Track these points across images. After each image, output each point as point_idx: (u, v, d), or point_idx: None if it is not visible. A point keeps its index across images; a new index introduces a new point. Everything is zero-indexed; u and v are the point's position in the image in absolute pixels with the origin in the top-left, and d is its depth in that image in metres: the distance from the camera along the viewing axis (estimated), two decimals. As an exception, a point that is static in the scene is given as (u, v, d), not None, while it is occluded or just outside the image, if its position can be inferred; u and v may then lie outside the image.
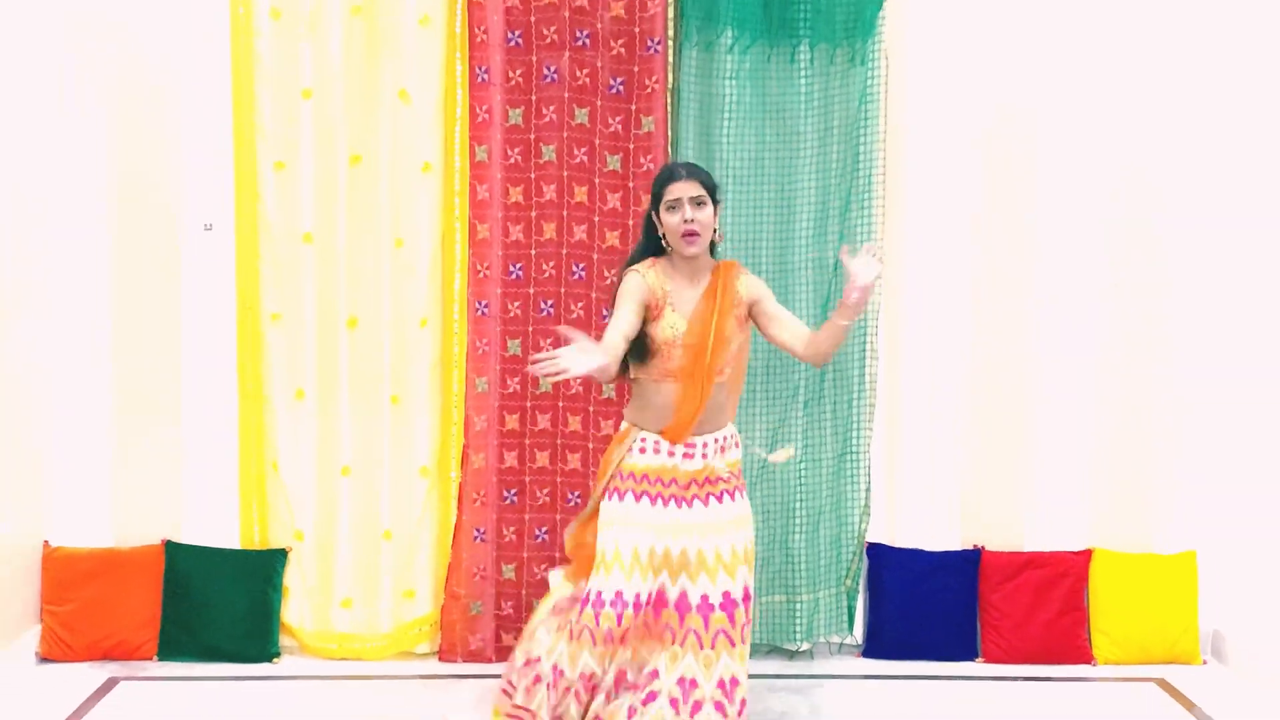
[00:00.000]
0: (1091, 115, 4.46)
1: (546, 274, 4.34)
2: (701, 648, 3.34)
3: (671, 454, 3.45)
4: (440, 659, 4.40)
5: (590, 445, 4.38)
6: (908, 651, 4.47)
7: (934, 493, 4.53)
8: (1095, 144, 4.47)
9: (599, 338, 3.39)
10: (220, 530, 4.45)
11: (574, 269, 4.34)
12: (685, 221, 3.37)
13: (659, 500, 3.43)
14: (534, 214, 4.33)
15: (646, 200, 3.65)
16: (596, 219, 4.32)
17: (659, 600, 3.39)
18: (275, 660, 4.40)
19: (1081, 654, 4.45)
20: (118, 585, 4.36)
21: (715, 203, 3.44)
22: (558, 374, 3.01)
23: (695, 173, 3.42)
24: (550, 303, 4.34)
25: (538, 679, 3.44)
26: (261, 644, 4.39)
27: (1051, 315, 4.52)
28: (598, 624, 3.34)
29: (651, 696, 3.33)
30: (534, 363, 3.03)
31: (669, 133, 4.30)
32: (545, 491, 4.41)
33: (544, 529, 4.42)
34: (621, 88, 4.28)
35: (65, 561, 4.37)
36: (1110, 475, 4.54)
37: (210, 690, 4.17)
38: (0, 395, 4.17)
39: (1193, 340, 4.52)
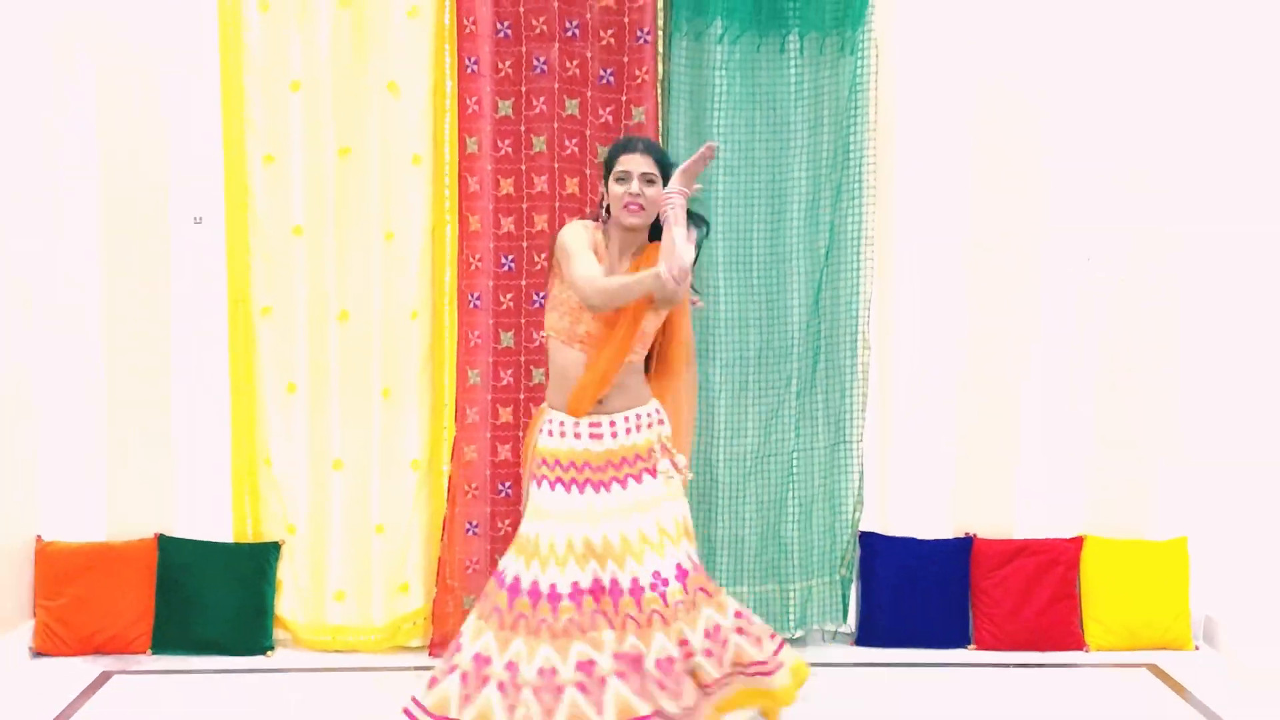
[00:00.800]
0: (1086, 102, 4.45)
1: (539, 266, 4.32)
2: (640, 627, 3.26)
3: (578, 435, 3.39)
4: (431, 654, 4.37)
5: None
6: (900, 639, 4.47)
7: (926, 481, 4.53)
8: (1090, 131, 4.45)
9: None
10: (213, 524, 4.42)
11: (565, 260, 4.32)
12: (630, 194, 3.34)
13: (574, 487, 3.36)
14: (525, 205, 4.31)
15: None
16: (589, 210, 4.29)
17: (595, 587, 3.29)
18: (269, 653, 4.38)
19: (1073, 640, 4.46)
20: (111, 579, 4.34)
21: (666, 182, 3.34)
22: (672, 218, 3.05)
23: (651, 149, 3.40)
24: (542, 294, 4.31)
25: (453, 669, 3.28)
26: (255, 637, 4.37)
27: (1043, 302, 4.50)
28: (534, 612, 3.26)
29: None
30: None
31: (660, 123, 4.28)
32: (538, 483, 4.39)
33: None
34: (612, 78, 4.26)
35: (58, 556, 4.35)
36: (1101, 462, 4.54)
37: (204, 683, 4.16)
38: (-9, 391, 4.16)
39: (1184, 324, 4.51)
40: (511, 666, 3.23)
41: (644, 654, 3.23)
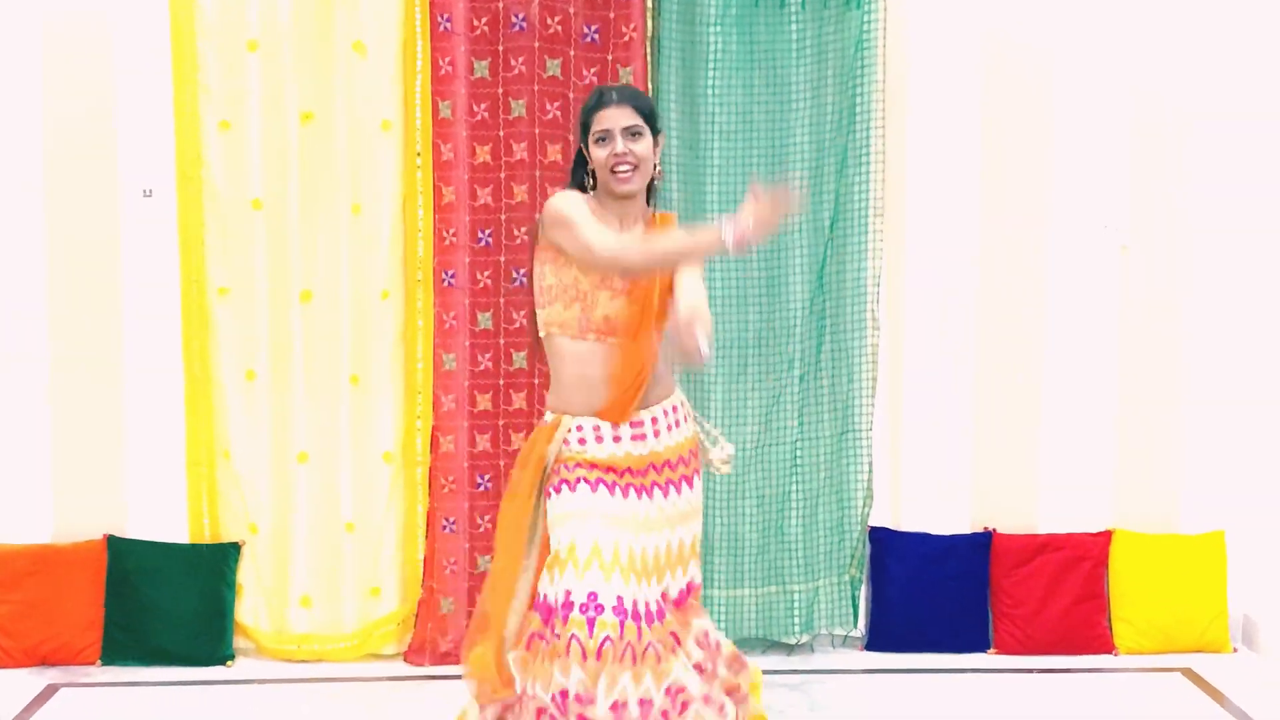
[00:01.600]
0: (1109, 54, 4.33)
1: (519, 240, 4.20)
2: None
3: (617, 439, 2.99)
4: (406, 659, 4.29)
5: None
6: (914, 643, 4.38)
7: (941, 472, 4.44)
8: (1114, 86, 4.34)
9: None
10: (167, 524, 4.32)
11: (548, 234, 4.17)
12: (615, 155, 2.94)
13: (617, 490, 2.95)
14: (503, 175, 4.20)
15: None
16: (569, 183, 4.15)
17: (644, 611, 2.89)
18: (229, 664, 4.28)
19: (1102, 643, 4.37)
20: (57, 585, 4.24)
21: (656, 133, 3.00)
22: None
23: (629, 97, 2.99)
24: (523, 270, 4.18)
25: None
26: (213, 646, 4.27)
27: (1067, 277, 4.42)
28: (591, 634, 2.78)
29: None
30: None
31: (649, 85, 4.18)
32: (522, 476, 4.25)
33: (520, 517, 4.24)
34: (597, 36, 4.16)
35: (-1, 560, 4.26)
36: (1131, 450, 4.45)
37: (158, 697, 4.05)
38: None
39: (1221, 299, 4.41)
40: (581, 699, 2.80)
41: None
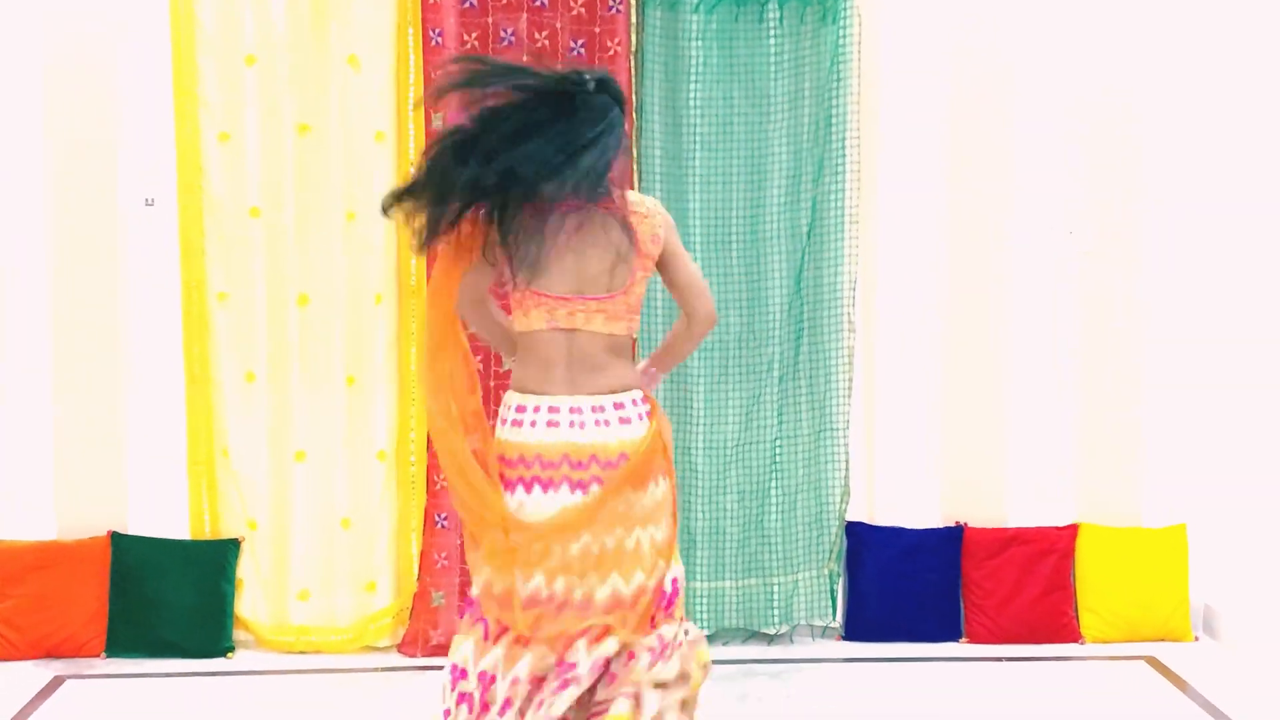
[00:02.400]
0: (1077, 73, 4.38)
1: None
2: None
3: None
4: (400, 651, 4.31)
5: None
6: (889, 633, 4.41)
7: (914, 468, 4.47)
8: (1080, 104, 4.39)
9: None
10: (169, 520, 4.33)
11: (536, 241, 4.20)
12: None
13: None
14: None
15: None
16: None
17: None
18: (229, 655, 4.29)
19: (1068, 632, 4.40)
20: (62, 580, 4.24)
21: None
22: None
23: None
24: None
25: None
26: (214, 638, 4.28)
27: (1031, 279, 4.45)
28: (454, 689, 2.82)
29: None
30: None
31: (633, 97, 4.20)
32: (511, 474, 4.28)
33: (509, 513, 4.28)
34: (583, 50, 4.18)
35: (6, 556, 4.24)
36: (1096, 447, 4.48)
37: (161, 687, 4.07)
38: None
39: (1181, 303, 4.44)
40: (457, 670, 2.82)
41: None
